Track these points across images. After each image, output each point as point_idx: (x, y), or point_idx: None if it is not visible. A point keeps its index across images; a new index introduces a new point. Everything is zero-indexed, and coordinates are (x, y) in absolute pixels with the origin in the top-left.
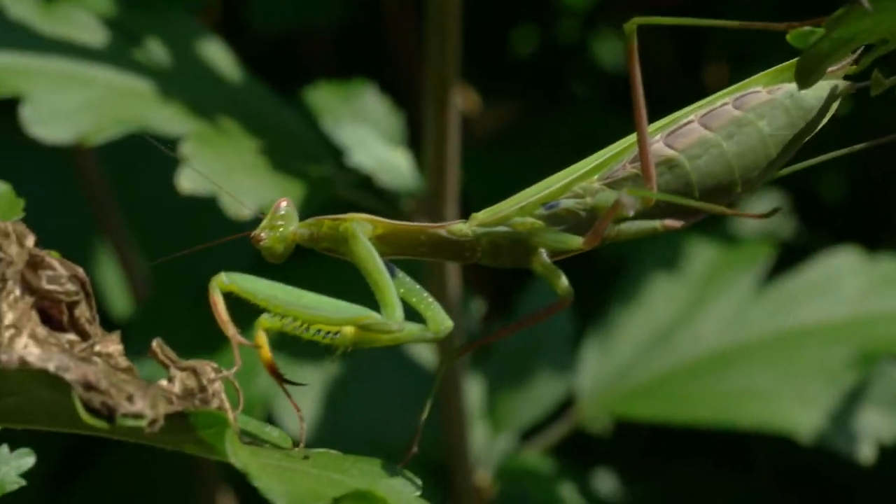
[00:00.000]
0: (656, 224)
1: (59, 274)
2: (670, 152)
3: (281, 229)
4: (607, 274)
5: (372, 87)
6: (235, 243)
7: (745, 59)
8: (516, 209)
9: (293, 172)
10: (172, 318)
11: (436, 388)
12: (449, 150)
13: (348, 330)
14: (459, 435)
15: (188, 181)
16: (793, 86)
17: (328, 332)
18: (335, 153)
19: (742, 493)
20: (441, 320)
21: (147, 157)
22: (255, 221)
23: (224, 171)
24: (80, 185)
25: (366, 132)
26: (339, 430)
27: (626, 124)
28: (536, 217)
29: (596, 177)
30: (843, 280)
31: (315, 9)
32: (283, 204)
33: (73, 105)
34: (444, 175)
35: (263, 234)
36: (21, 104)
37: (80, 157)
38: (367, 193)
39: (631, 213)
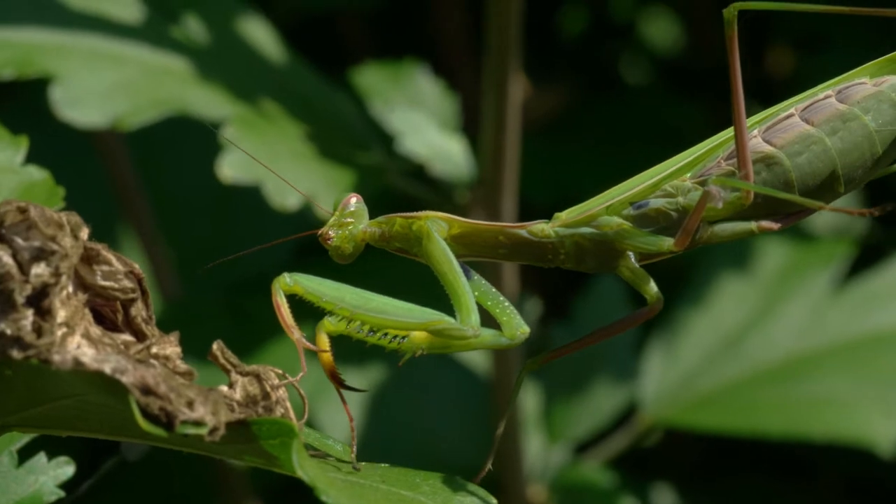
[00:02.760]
0: (752, 226)
1: (115, 269)
2: (769, 148)
3: (350, 227)
4: (673, 274)
5: (423, 68)
6: (266, 237)
7: (814, 44)
8: (602, 208)
9: (341, 160)
10: (205, 315)
11: (514, 400)
12: (508, 138)
13: (417, 334)
14: (513, 446)
15: (230, 168)
16: None
17: (395, 337)
18: (385, 139)
19: None
20: (517, 325)
21: (174, 141)
22: (290, 214)
23: (268, 158)
24: (105, 170)
25: (419, 117)
26: (382, 438)
27: (683, 109)
28: (624, 217)
29: (688, 174)
30: None
31: None
32: (353, 200)
33: (105, 85)
34: (502, 164)
35: (332, 233)
36: (50, 85)
37: (105, 139)
38: (420, 183)
39: (720, 206)
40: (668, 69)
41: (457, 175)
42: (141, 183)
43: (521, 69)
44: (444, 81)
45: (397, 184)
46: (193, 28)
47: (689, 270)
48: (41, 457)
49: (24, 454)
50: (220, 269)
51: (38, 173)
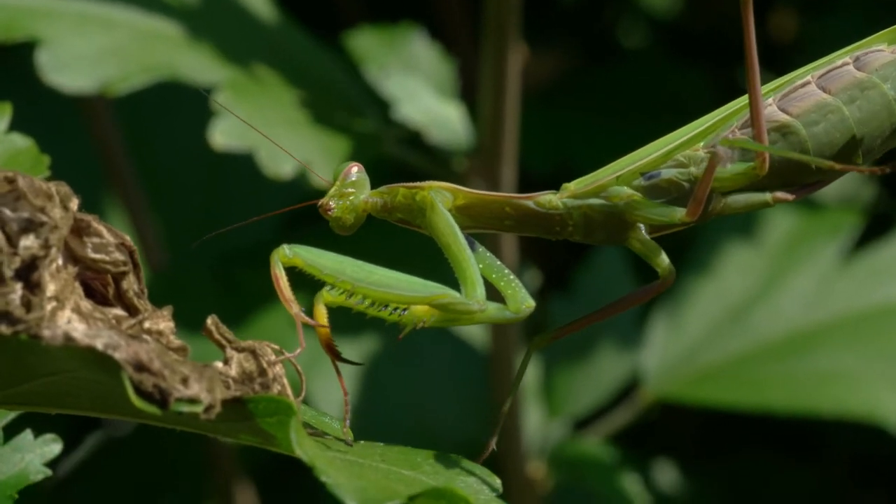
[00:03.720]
0: (767, 197)
1: (106, 241)
2: (784, 117)
3: (351, 198)
4: (677, 243)
5: (420, 31)
6: (257, 206)
7: (819, 7)
8: (612, 179)
9: (336, 127)
10: (194, 287)
11: (520, 378)
12: (507, 105)
13: (418, 308)
14: (512, 421)
15: (223, 135)
16: None
17: (395, 309)
18: (381, 105)
19: (813, 486)
20: (522, 299)
21: (163, 108)
22: (283, 183)
23: (261, 125)
24: (90, 137)
25: (415, 83)
26: (378, 413)
27: (685, 74)
28: (635, 188)
29: (701, 144)
30: None
31: None
32: (354, 170)
33: (94, 50)
34: (501, 131)
35: (332, 204)
36: (37, 49)
37: (92, 106)
38: (416, 151)
39: (727, 167)
40: (669, 32)
41: (454, 142)
42: (128, 151)
43: (520, 34)
44: (441, 46)
45: (393, 152)
46: None
47: (694, 239)
48: (27, 434)
49: (10, 431)
50: (210, 239)
51: (22, 141)
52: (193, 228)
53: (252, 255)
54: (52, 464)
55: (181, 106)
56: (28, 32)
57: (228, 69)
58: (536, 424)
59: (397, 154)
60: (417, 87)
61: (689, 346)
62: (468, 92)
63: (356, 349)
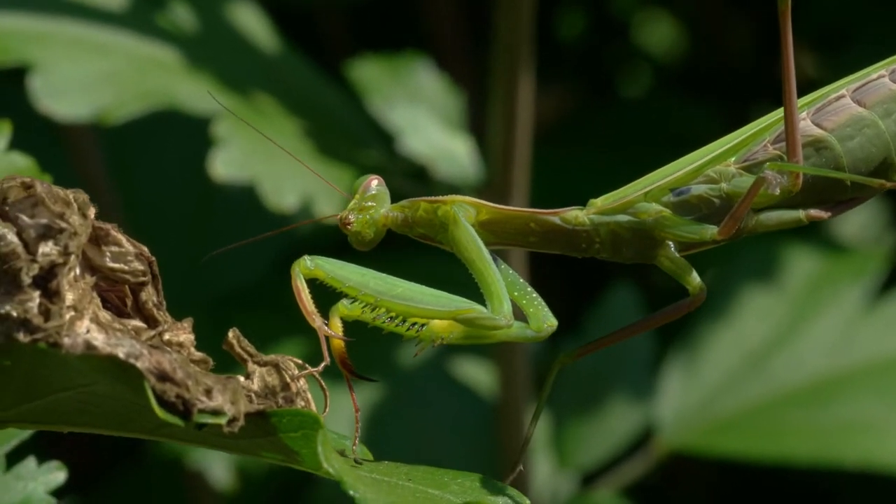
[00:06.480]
0: (800, 214)
1: (125, 251)
2: (818, 132)
3: (371, 212)
4: None
5: (426, 61)
6: (251, 245)
7: (837, 43)
8: (641, 195)
9: (339, 159)
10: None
11: (544, 397)
12: (518, 139)
13: (438, 323)
14: (518, 471)
15: (224, 166)
16: None
17: (414, 324)
18: (385, 138)
19: None
20: (544, 318)
21: (151, 140)
22: (276, 221)
23: (262, 156)
24: (75, 171)
25: (421, 114)
26: (379, 456)
27: (695, 113)
28: (664, 204)
29: (732, 159)
30: None
31: None
32: (374, 182)
33: (89, 76)
34: (511, 166)
35: (351, 217)
36: (30, 74)
37: (76, 137)
38: (423, 185)
39: (777, 192)
40: (676, 70)
41: (462, 177)
42: (113, 186)
43: (532, 69)
44: (447, 77)
45: (399, 186)
46: (182, 16)
47: (711, 282)
48: (31, 461)
49: (13, 459)
50: (201, 281)
51: (22, 160)
52: (183, 268)
53: (248, 296)
54: (57, 492)
55: (170, 138)
56: (20, 57)
57: (228, 98)
58: (545, 477)
59: (403, 188)
60: (423, 118)
61: (705, 395)
62: (472, 127)
63: (360, 398)
